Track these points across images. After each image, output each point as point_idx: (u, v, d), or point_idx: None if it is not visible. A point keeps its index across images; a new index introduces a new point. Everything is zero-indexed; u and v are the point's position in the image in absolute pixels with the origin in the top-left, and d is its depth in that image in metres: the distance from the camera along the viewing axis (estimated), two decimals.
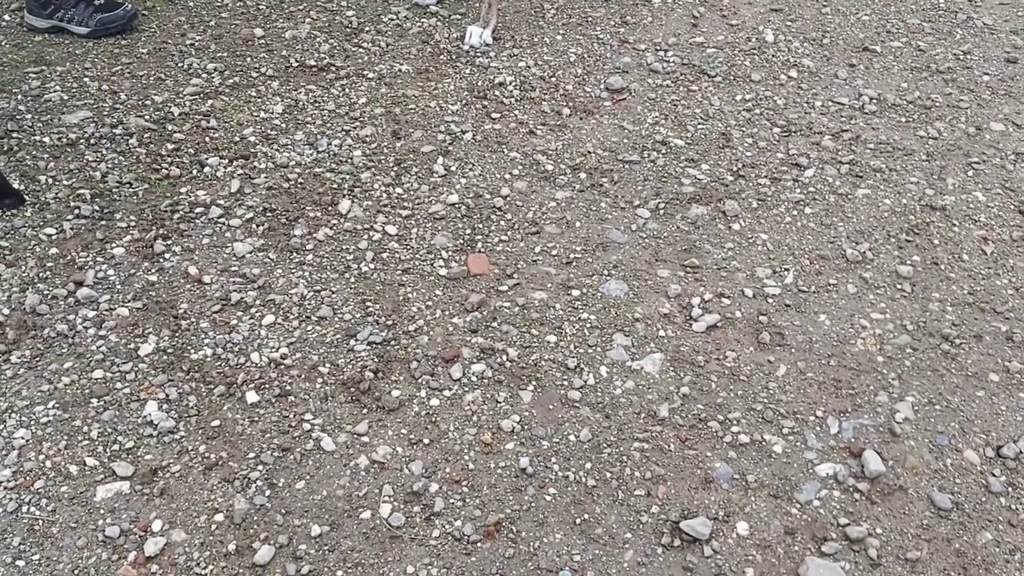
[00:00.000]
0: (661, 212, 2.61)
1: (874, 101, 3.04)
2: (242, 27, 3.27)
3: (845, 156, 2.81)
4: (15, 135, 2.71)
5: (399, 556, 1.77)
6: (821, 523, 1.86)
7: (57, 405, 2.01)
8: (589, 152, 2.81)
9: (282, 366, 2.11)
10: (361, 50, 3.20)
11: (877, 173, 2.76)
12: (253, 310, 2.24)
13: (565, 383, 2.11)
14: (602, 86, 3.10)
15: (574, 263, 2.43)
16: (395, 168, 2.70)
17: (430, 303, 2.28)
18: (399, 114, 2.92)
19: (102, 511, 1.82)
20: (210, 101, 2.91)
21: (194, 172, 2.63)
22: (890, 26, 3.45)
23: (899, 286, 2.40)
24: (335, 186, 2.62)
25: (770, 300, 2.35)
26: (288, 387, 2.06)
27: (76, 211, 2.46)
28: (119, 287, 2.28)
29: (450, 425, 2.01)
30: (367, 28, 3.32)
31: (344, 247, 2.43)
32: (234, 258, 2.37)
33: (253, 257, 2.38)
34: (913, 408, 2.09)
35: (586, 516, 1.85)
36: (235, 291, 2.28)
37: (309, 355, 2.14)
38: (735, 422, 2.04)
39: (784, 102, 3.04)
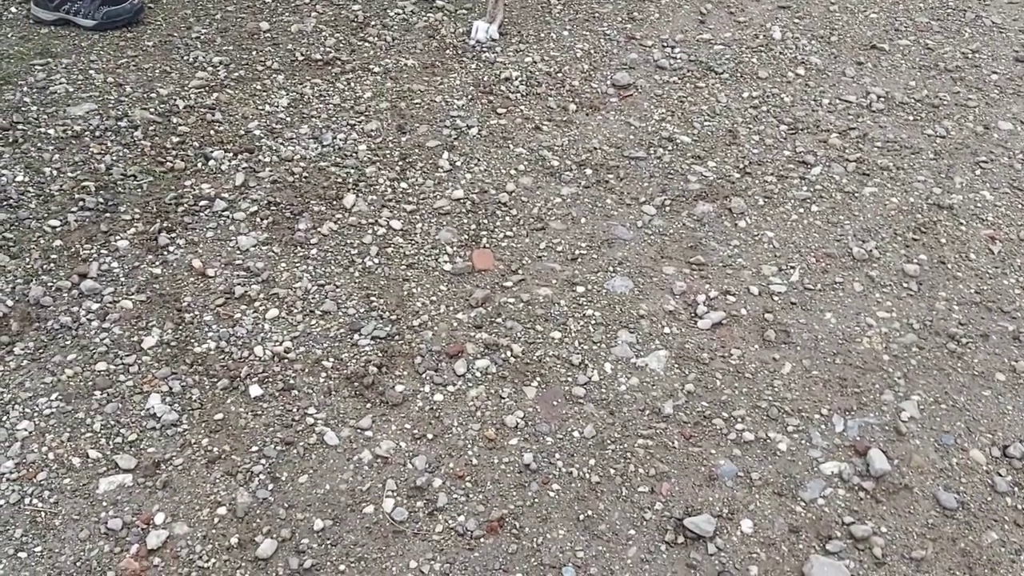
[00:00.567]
0: (667, 209, 2.60)
1: (882, 99, 3.03)
2: (248, 21, 3.26)
3: (852, 154, 2.80)
4: (20, 127, 2.70)
5: (402, 551, 1.76)
6: (826, 521, 1.85)
7: (60, 397, 2.01)
8: (595, 148, 2.80)
9: (286, 360, 2.10)
10: (367, 44, 3.20)
11: (884, 171, 2.74)
12: (257, 304, 2.23)
13: (569, 379, 2.10)
14: (608, 82, 3.09)
15: (579, 259, 2.42)
16: (400, 163, 2.70)
17: (434, 298, 2.28)
18: (404, 108, 2.91)
19: (104, 503, 1.82)
20: (215, 94, 2.90)
21: (199, 165, 2.63)
22: (898, 24, 3.43)
23: (906, 285, 2.39)
24: (340, 180, 2.61)
25: (776, 298, 2.34)
26: (291, 381, 2.06)
27: (80, 203, 2.46)
28: (123, 279, 2.28)
29: (454, 420, 2.00)
30: (373, 22, 3.31)
31: (348, 241, 2.42)
32: (238, 252, 2.37)
33: (257, 251, 2.37)
34: (919, 407, 2.08)
35: (590, 512, 1.84)
36: (239, 284, 2.27)
37: (313, 349, 2.13)
38: (740, 420, 2.04)
39: (791, 100, 3.03)
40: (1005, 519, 1.87)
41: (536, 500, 1.86)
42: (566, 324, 2.24)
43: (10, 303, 2.19)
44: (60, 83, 2.89)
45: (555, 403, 2.05)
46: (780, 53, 3.25)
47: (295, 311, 2.22)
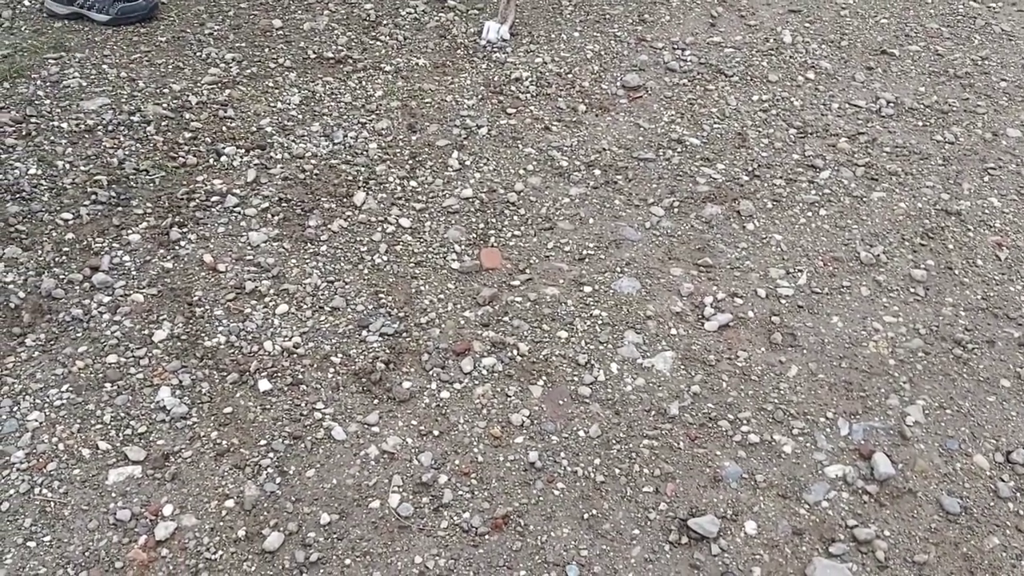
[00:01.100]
0: (675, 210, 2.61)
1: (891, 104, 3.03)
2: (261, 18, 3.28)
3: (861, 159, 2.81)
4: (33, 120, 2.72)
5: (407, 546, 1.78)
6: (829, 524, 1.86)
7: (71, 389, 2.03)
8: (604, 149, 2.82)
9: (295, 355, 2.12)
10: (379, 43, 3.21)
11: (893, 176, 2.75)
12: (267, 299, 2.25)
13: (575, 379, 2.11)
14: (618, 83, 3.10)
15: (587, 259, 2.43)
16: (410, 161, 2.71)
17: (442, 296, 2.29)
18: (415, 107, 2.93)
19: (113, 494, 1.84)
20: (228, 91, 2.92)
21: (211, 161, 2.65)
22: (909, 30, 3.44)
23: (912, 290, 2.39)
24: (350, 178, 2.63)
25: (783, 301, 2.35)
26: (300, 376, 2.08)
27: (93, 197, 2.48)
28: (134, 273, 2.30)
29: (460, 418, 2.01)
30: (385, 21, 3.33)
31: (358, 239, 2.44)
32: (249, 247, 2.38)
33: (268, 247, 2.39)
34: (924, 412, 2.09)
35: (594, 511, 1.86)
36: (250, 280, 2.29)
37: (322, 345, 2.15)
38: (745, 422, 2.05)
39: (801, 103, 3.04)
40: (1007, 524, 1.88)
41: (541, 498, 1.87)
42: (573, 324, 2.25)
43: (22, 295, 2.21)
44: (73, 77, 2.92)
45: (561, 402, 2.06)
46: (790, 57, 3.26)
47: (304, 307, 2.24)
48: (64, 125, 2.72)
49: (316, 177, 2.62)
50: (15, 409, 1.97)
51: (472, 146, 2.79)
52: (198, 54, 3.08)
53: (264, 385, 2.05)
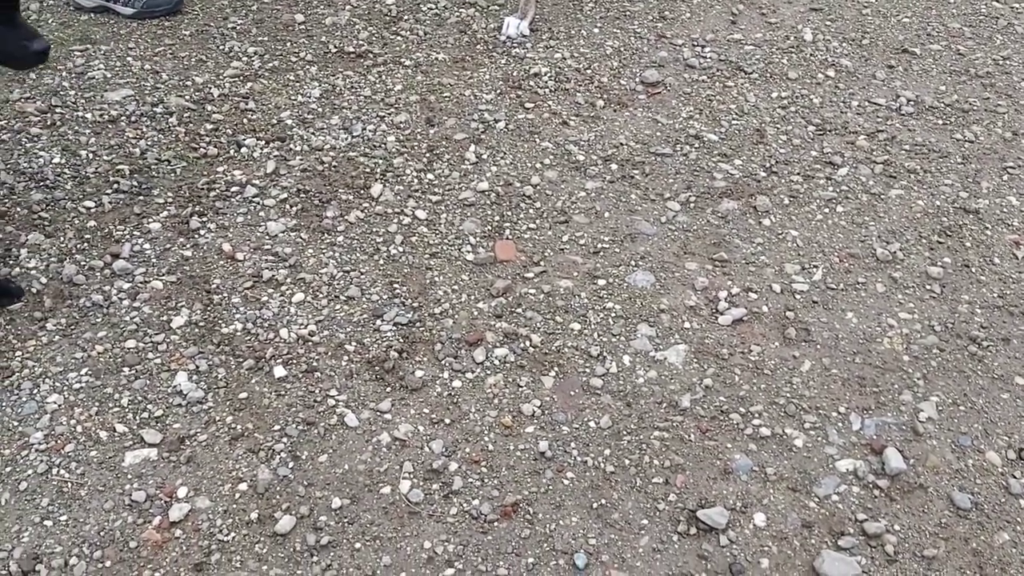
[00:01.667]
0: (691, 205, 2.61)
1: (911, 103, 3.02)
2: (283, 12, 3.31)
3: (880, 156, 2.80)
4: (59, 110, 2.77)
5: (416, 531, 1.79)
6: (839, 517, 1.86)
7: (90, 372, 2.06)
8: (621, 144, 2.82)
9: (310, 343, 2.14)
10: (399, 38, 3.23)
11: (911, 174, 2.74)
12: (284, 288, 2.28)
13: (587, 370, 2.12)
14: (637, 79, 3.10)
15: (601, 253, 2.44)
16: (427, 154, 2.73)
17: (456, 287, 2.31)
18: (434, 101, 2.95)
19: (129, 476, 1.87)
20: (249, 84, 2.95)
21: (231, 152, 2.68)
22: (930, 29, 3.42)
23: (928, 287, 2.38)
24: (368, 170, 2.65)
25: (798, 296, 2.35)
26: (315, 363, 2.10)
27: (115, 186, 2.52)
28: (154, 260, 2.33)
29: (471, 407, 2.03)
30: (406, 17, 3.35)
31: (374, 230, 2.46)
32: (267, 237, 2.41)
33: (286, 236, 2.42)
34: (937, 408, 2.08)
35: (603, 501, 1.86)
36: (267, 269, 2.32)
37: (336, 333, 2.17)
38: (757, 415, 2.05)
39: (820, 101, 3.03)
40: (1018, 520, 1.87)
41: (550, 487, 1.88)
42: (586, 316, 2.26)
43: (44, 280, 2.25)
44: (98, 69, 2.96)
45: (572, 393, 2.07)
46: (811, 55, 3.25)
47: (320, 296, 2.26)
48: (88, 115, 2.76)
49: (334, 169, 2.65)
50: (35, 392, 2.01)
51: (489, 140, 2.80)
52: (221, 47, 3.11)
53: (279, 372, 2.07)
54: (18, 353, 2.08)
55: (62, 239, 2.36)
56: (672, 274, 2.39)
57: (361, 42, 3.19)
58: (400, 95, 2.96)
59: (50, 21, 3.17)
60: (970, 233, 2.55)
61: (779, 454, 1.97)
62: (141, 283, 2.27)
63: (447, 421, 2.00)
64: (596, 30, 3.35)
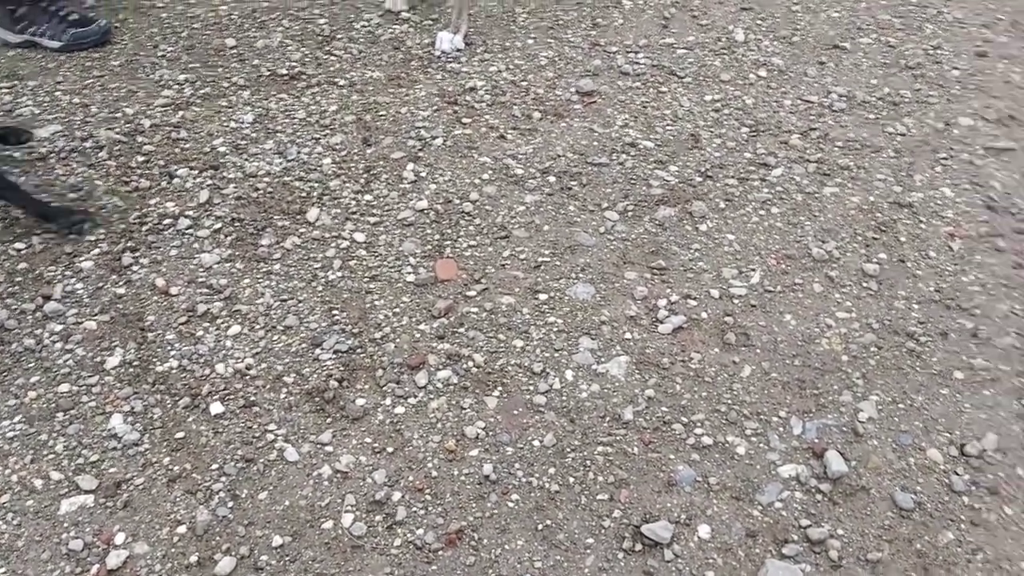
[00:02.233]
0: (629, 214, 2.61)
1: (843, 98, 3.05)
2: (214, 37, 3.27)
3: (813, 155, 2.82)
4: None
5: (360, 566, 1.77)
6: (782, 525, 1.87)
7: (23, 420, 2.02)
8: (559, 155, 2.82)
9: (247, 376, 2.11)
10: (333, 58, 3.21)
11: (845, 171, 2.76)
12: (219, 321, 2.24)
13: (531, 388, 2.12)
14: (572, 89, 3.10)
15: (542, 267, 2.44)
16: (364, 175, 2.71)
17: (397, 310, 2.29)
18: (370, 121, 2.93)
19: (66, 524, 1.83)
20: (181, 112, 2.91)
21: (163, 184, 2.64)
22: (860, 22, 3.46)
23: (865, 284, 2.41)
24: (304, 194, 2.62)
25: (736, 301, 2.36)
26: (253, 398, 2.07)
27: (45, 225, 2.47)
28: (87, 300, 2.29)
29: (414, 433, 2.01)
30: (339, 35, 3.33)
31: (312, 255, 2.43)
32: (201, 269, 2.38)
33: (220, 267, 2.38)
34: (877, 407, 2.10)
35: (548, 522, 1.86)
36: (201, 302, 2.28)
37: (274, 365, 2.14)
38: (699, 424, 2.05)
39: (753, 102, 3.05)
40: (961, 519, 1.89)
41: (495, 511, 1.87)
42: (528, 332, 2.25)
43: None
44: (26, 105, 2.90)
45: (516, 412, 2.06)
46: (742, 55, 3.27)
47: (257, 327, 2.23)
48: (16, 154, 2.71)
49: (269, 195, 2.61)
50: None
51: (427, 157, 2.79)
52: (151, 76, 3.07)
53: (216, 408, 2.04)
54: None
55: None
56: (612, 285, 2.39)
57: (294, 63, 3.16)
58: (335, 116, 2.93)
59: None
60: (905, 228, 2.58)
61: (722, 463, 1.98)
62: (74, 324, 2.22)
63: (390, 450, 1.98)
64: (530, 41, 3.35)
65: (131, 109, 2.91)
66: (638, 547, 1.82)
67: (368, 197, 2.63)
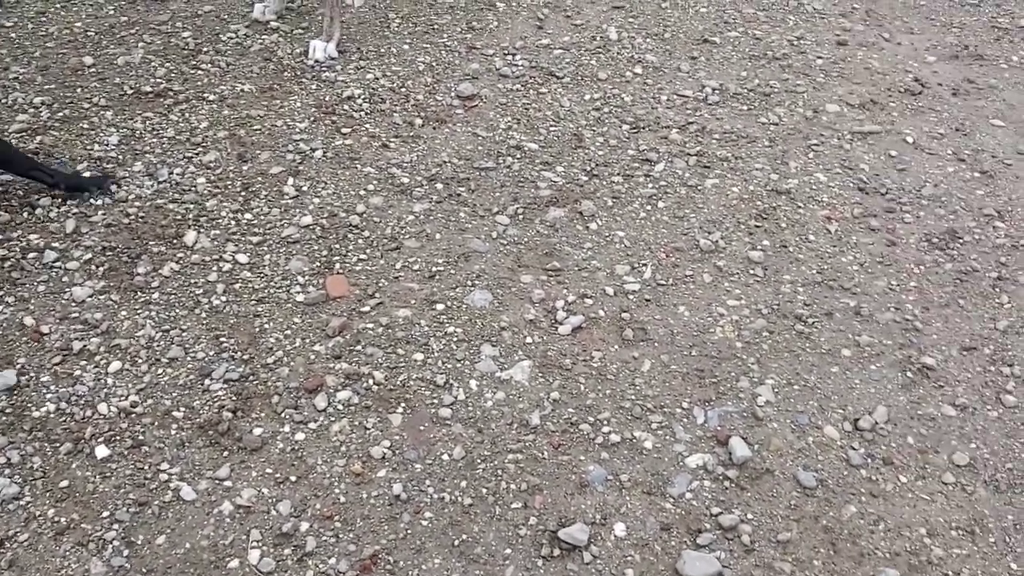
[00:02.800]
0: (520, 217, 2.60)
1: (716, 92, 3.12)
2: (70, 56, 3.09)
3: (693, 148, 2.88)
4: None
5: None
6: (695, 515, 1.89)
7: None
8: (444, 162, 2.78)
9: (133, 415, 1.99)
10: (200, 72, 3.08)
11: (724, 162, 2.83)
12: (98, 358, 2.11)
13: (435, 401, 2.07)
14: (453, 94, 3.07)
15: (437, 276, 2.40)
16: (243, 193, 2.61)
17: (289, 332, 2.21)
18: (244, 136, 2.82)
19: None
20: (39, 137, 2.73)
21: (25, 215, 2.47)
22: (727, 17, 3.56)
23: (752, 271, 2.47)
24: (179, 217, 2.50)
25: (631, 296, 2.38)
26: (141, 437, 1.95)
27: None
28: None
29: (318, 459, 1.94)
30: (205, 49, 3.19)
31: (193, 281, 2.32)
32: (73, 304, 2.23)
33: (94, 301, 2.24)
34: (773, 390, 2.15)
35: (464, 537, 1.82)
36: (76, 339, 2.14)
37: (161, 400, 2.03)
38: (605, 422, 2.06)
39: (631, 99, 3.09)
40: (861, 491, 1.96)
41: (409, 531, 1.83)
42: (428, 344, 2.21)
43: None
44: None
45: (422, 428, 2.02)
46: (618, 53, 3.31)
47: (140, 361, 2.11)
48: None
49: (142, 220, 2.48)
50: None
51: (308, 171, 2.71)
52: (3, 101, 2.86)
53: (102, 451, 1.92)
54: None
55: None
56: (509, 289, 2.38)
57: (159, 80, 3.01)
58: (207, 133, 2.81)
59: None
60: (784, 214, 2.66)
61: (631, 459, 1.99)
62: None
63: (293, 478, 1.90)
64: (406, 47, 3.30)
65: None
66: (556, 552, 1.80)
67: (248, 216, 2.53)
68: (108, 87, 2.96)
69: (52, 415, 1.99)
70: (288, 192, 2.62)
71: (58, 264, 2.33)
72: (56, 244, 2.38)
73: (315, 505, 1.85)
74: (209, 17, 3.36)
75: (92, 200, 2.50)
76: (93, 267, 2.33)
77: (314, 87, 3.06)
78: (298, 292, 2.31)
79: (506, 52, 3.30)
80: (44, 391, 2.03)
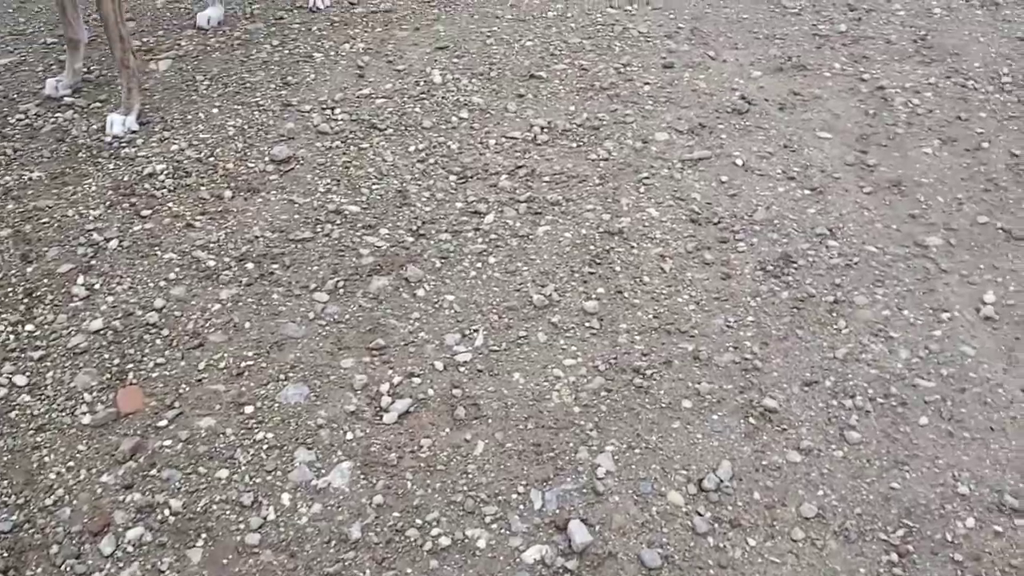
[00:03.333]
0: (340, 292, 2.41)
1: (545, 130, 2.99)
2: None
3: (523, 194, 2.74)
4: None
5: None
6: None
7: None
8: (256, 237, 2.57)
9: None
10: None
11: (555, 207, 2.70)
12: None
13: (241, 526, 1.86)
14: (267, 158, 2.86)
15: (246, 373, 2.18)
16: (25, 300, 2.34)
17: (71, 463, 1.96)
18: (30, 232, 2.55)
19: None
20: None
21: None
22: (553, 48, 3.44)
23: (587, 324, 2.33)
24: None
25: (462, 369, 2.21)
26: None
27: None
28: None
29: None
30: None
31: None
32: None
33: None
34: (614, 458, 2.01)
35: None
36: None
37: None
38: (434, 523, 1.87)
39: (458, 146, 2.93)
40: (709, 563, 1.82)
41: None
42: (234, 457, 1.99)
43: None
44: None
45: (226, 561, 1.80)
46: (443, 98, 3.15)
47: None
48: None
49: None
50: None
51: (101, 265, 2.45)
52: None
53: None
54: None
55: None
56: (327, 379, 2.18)
57: None
58: None
59: None
60: (618, 256, 2.53)
61: (462, 564, 1.81)
62: None
63: None
64: (215, 110, 3.07)
65: None
66: None
67: (30, 327, 2.27)
68: None
69: None
70: (77, 293, 2.36)
71: None
72: None
73: None
74: None
75: None
76: None
77: (111, 167, 2.81)
78: (84, 413, 2.06)
79: (324, 106, 3.10)
80: None
